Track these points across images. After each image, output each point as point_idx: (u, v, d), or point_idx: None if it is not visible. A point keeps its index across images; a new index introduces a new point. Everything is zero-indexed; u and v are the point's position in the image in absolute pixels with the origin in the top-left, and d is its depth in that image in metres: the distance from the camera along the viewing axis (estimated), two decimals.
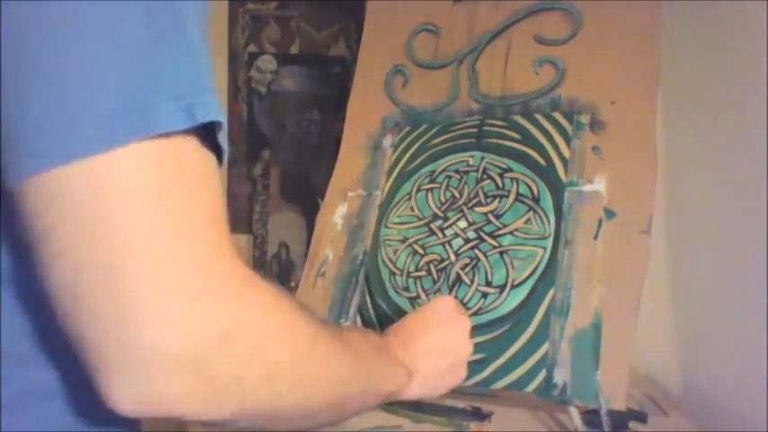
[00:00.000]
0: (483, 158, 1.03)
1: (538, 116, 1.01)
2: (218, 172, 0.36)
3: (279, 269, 2.08)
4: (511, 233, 0.96)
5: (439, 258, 1.00)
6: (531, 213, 0.95)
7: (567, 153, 0.96)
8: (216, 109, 0.34)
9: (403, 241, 1.04)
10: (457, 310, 0.69)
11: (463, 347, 0.67)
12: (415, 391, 0.62)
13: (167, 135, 0.32)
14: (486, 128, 1.05)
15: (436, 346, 0.64)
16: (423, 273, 1.00)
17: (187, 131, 0.33)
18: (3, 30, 0.31)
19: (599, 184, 0.92)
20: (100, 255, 0.31)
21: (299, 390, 0.39)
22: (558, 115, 0.99)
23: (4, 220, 0.37)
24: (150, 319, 0.31)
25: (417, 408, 0.97)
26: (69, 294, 0.31)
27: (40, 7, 0.30)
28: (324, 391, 0.42)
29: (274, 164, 2.11)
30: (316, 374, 0.41)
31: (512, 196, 0.98)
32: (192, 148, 0.34)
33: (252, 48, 2.08)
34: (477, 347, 0.92)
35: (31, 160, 0.31)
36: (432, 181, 1.05)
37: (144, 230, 0.31)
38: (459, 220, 1.00)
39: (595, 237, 0.90)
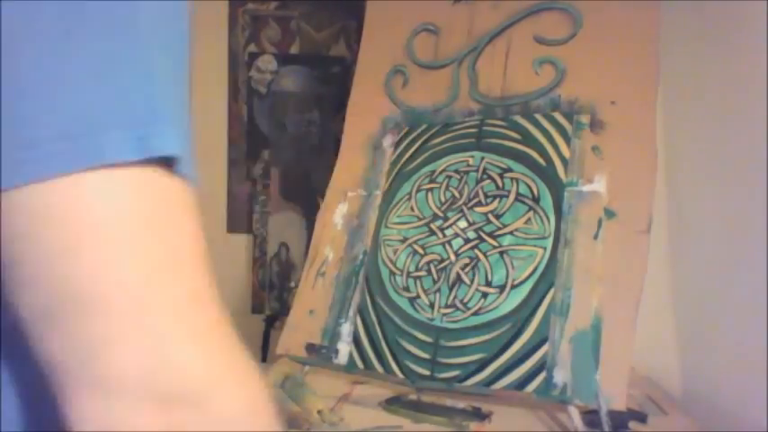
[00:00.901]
0: (483, 158, 1.03)
1: (538, 116, 1.01)
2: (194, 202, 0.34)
3: (279, 269, 2.08)
4: (511, 233, 0.96)
5: (439, 258, 1.00)
6: (531, 213, 0.95)
7: (566, 153, 0.96)
8: (175, 142, 0.31)
9: (403, 241, 1.04)
10: None
11: None
12: None
13: (137, 165, 0.30)
14: (486, 128, 1.05)
15: None
16: (423, 273, 1.00)
17: (157, 163, 0.31)
18: None
19: (599, 184, 0.92)
20: (76, 283, 0.29)
21: None
22: (557, 115, 0.99)
23: None
24: (118, 355, 0.29)
25: (417, 408, 0.97)
26: (43, 317, 0.30)
27: None
28: None
29: (274, 164, 2.11)
30: None
31: (512, 196, 0.98)
32: (165, 174, 0.31)
33: (252, 48, 2.08)
34: (478, 347, 0.92)
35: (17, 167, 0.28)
36: (432, 181, 1.05)
37: (128, 263, 0.30)
38: (459, 220, 1.00)
39: (595, 237, 0.90)
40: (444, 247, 1.00)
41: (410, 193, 1.06)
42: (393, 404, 0.99)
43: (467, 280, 0.96)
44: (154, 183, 0.31)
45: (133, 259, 0.30)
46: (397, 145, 1.12)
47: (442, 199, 1.03)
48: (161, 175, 0.31)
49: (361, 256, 1.07)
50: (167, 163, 0.31)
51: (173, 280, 0.31)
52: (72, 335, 0.29)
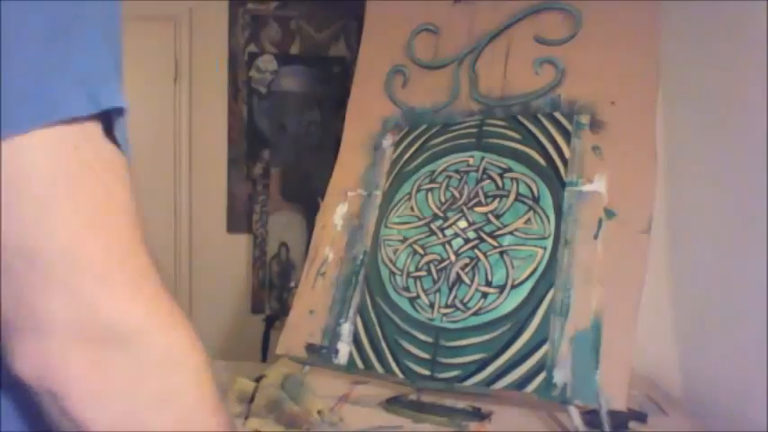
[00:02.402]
0: (483, 158, 1.03)
1: (538, 116, 1.01)
2: (127, 168, 0.36)
3: (279, 269, 2.08)
4: (511, 233, 0.96)
5: (439, 258, 1.00)
6: (531, 213, 0.95)
7: (567, 153, 0.96)
8: (120, 96, 0.34)
9: (403, 241, 1.04)
10: None
11: None
12: None
13: (77, 124, 0.32)
14: (486, 128, 1.05)
15: None
16: (423, 273, 1.00)
17: (96, 126, 0.33)
18: None
19: (599, 184, 0.92)
20: (17, 238, 0.32)
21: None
22: (558, 115, 0.99)
23: None
24: (49, 302, 0.32)
25: (418, 408, 0.97)
26: None
27: None
28: None
29: (274, 164, 2.11)
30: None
31: (512, 196, 0.98)
32: (102, 140, 0.34)
33: (252, 48, 2.08)
34: (478, 347, 0.92)
35: None
36: (432, 181, 1.05)
37: (58, 218, 0.32)
38: (459, 220, 1.00)
39: (595, 237, 0.90)
40: (444, 247, 1.00)
41: (410, 193, 1.06)
42: (393, 404, 0.99)
43: (467, 280, 0.96)
44: (91, 142, 0.33)
45: (66, 218, 0.32)
46: (397, 145, 1.12)
47: (442, 199, 1.03)
48: (97, 135, 0.33)
49: (361, 257, 1.07)
50: (105, 127, 0.34)
51: (101, 235, 0.33)
52: (8, 284, 0.32)
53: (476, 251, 0.97)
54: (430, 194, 1.04)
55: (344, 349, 1.01)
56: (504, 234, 0.96)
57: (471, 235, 0.98)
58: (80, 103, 0.32)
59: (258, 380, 1.01)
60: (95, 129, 0.33)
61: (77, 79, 0.32)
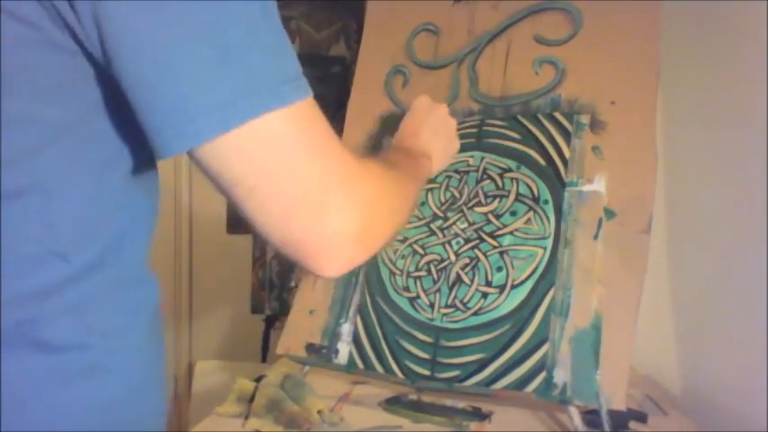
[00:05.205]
0: (483, 158, 1.03)
1: (538, 116, 1.01)
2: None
3: (279, 269, 2.08)
4: (511, 233, 0.96)
5: (439, 258, 1.00)
6: (531, 213, 0.95)
7: (567, 153, 0.96)
8: (289, 88, 0.47)
9: (403, 241, 1.04)
10: (431, 103, 0.91)
11: (449, 125, 0.91)
12: (435, 169, 0.86)
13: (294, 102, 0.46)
14: (486, 128, 1.05)
15: (432, 133, 0.87)
16: (423, 273, 1.00)
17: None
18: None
19: (599, 184, 0.92)
20: (298, 189, 0.47)
21: (404, 214, 0.63)
22: (558, 115, 0.99)
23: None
24: (337, 217, 0.48)
25: (418, 408, 0.97)
26: (283, 220, 0.47)
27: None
28: (411, 203, 0.67)
29: None
30: (405, 199, 0.64)
31: (512, 196, 0.98)
32: (306, 101, 0.48)
33: None
34: (478, 347, 0.92)
35: (212, 124, 0.43)
36: (432, 181, 1.05)
37: (314, 164, 0.47)
38: (459, 220, 1.00)
39: (595, 237, 0.90)
40: (444, 247, 1.00)
41: None
42: (393, 404, 0.99)
43: (467, 280, 0.96)
44: (306, 108, 0.48)
45: (318, 162, 0.48)
46: None
47: (442, 199, 1.03)
48: (304, 101, 0.47)
49: None
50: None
51: (330, 164, 0.49)
52: (304, 223, 0.48)
53: (476, 251, 0.97)
54: (430, 194, 1.04)
55: (344, 349, 1.01)
56: (504, 234, 0.96)
57: (471, 235, 0.98)
58: (301, 93, 0.47)
59: (258, 380, 1.01)
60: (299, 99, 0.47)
61: (292, 77, 0.47)
